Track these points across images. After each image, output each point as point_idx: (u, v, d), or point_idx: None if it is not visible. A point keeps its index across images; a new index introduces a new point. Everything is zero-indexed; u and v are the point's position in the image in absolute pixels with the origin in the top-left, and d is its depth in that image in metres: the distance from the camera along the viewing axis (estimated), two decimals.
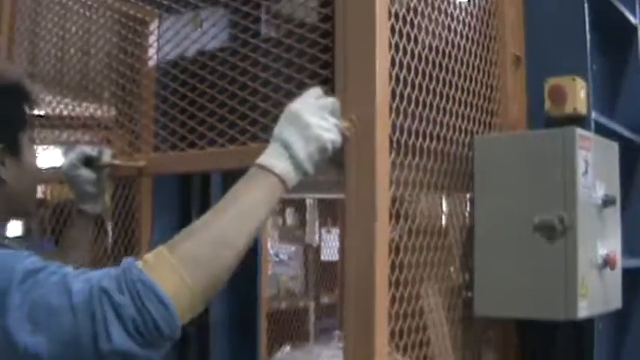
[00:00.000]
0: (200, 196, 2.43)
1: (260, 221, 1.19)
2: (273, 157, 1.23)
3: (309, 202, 3.41)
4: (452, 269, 1.80)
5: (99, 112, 2.17)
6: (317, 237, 3.42)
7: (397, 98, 1.45)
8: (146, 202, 2.24)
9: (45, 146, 2.26)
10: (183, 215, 2.39)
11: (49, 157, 2.25)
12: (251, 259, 2.46)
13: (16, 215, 1.50)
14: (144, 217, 2.23)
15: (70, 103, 2.20)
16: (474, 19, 1.84)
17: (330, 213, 3.67)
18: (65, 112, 2.18)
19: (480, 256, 1.73)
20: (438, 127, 1.63)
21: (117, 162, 1.74)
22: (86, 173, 1.71)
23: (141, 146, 1.87)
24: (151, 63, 1.97)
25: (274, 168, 1.21)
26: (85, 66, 2.16)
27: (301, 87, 1.46)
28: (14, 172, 1.36)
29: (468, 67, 1.78)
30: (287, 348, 1.99)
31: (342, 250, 3.36)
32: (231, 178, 2.12)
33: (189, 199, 2.43)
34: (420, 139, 1.55)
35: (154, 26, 2.01)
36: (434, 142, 1.61)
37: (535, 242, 1.64)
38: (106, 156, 1.74)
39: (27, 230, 2.45)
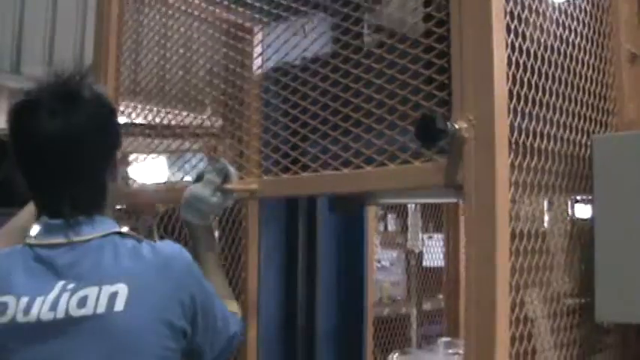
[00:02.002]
0: (306, 216, 2.43)
1: None
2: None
3: (410, 207, 3.38)
4: (555, 275, 1.75)
5: (207, 122, 2.21)
6: (419, 243, 3.39)
7: (514, 98, 1.42)
8: (253, 225, 2.25)
9: (154, 155, 2.31)
10: (289, 235, 2.41)
11: (155, 165, 2.30)
12: (358, 267, 2.46)
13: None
14: (250, 240, 2.23)
15: (177, 113, 2.25)
16: (588, 16, 1.78)
17: (433, 218, 3.63)
18: (173, 122, 2.23)
19: (601, 259, 1.67)
20: (554, 127, 1.59)
21: (235, 187, 1.75)
22: (212, 197, 1.74)
23: (250, 168, 1.90)
24: (258, 70, 2.00)
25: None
26: (191, 76, 2.20)
27: (416, 93, 1.46)
28: (112, 189, 1.56)
29: (582, 65, 1.73)
30: (395, 355, 1.97)
31: (447, 255, 3.32)
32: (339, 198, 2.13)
33: (295, 218, 2.44)
34: (538, 139, 1.51)
35: (260, 34, 2.04)
36: (551, 143, 1.57)
37: None
38: (233, 179, 1.76)
39: None
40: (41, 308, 1.37)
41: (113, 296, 1.37)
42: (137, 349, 1.38)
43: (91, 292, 1.38)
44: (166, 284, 1.43)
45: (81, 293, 1.38)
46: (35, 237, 1.47)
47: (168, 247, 1.51)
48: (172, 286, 1.44)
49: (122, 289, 1.38)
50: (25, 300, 1.38)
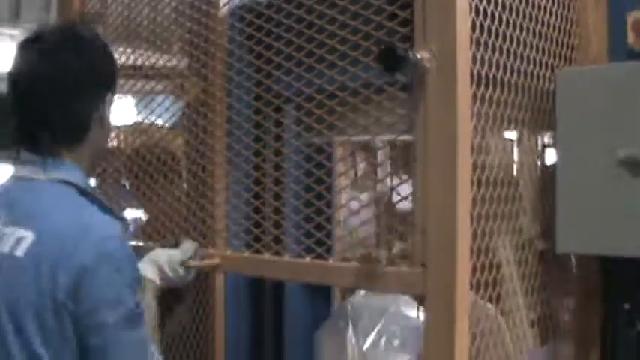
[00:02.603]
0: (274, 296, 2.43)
1: None
2: None
3: (379, 149, 3.38)
4: (524, 221, 1.78)
5: (173, 61, 2.19)
6: (389, 185, 3.40)
7: (477, 30, 1.42)
8: (219, 299, 2.21)
9: (120, 96, 2.29)
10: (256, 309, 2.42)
11: (122, 106, 2.28)
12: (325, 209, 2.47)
13: (93, 172, 1.57)
14: (217, 313, 2.20)
15: (143, 53, 2.23)
16: None
17: (402, 161, 3.64)
18: (139, 62, 2.21)
19: (562, 192, 1.70)
20: (518, 60, 1.60)
21: (197, 263, 1.78)
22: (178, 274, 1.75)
23: (216, 240, 1.91)
24: (224, 8, 1.98)
25: None
26: (157, 14, 2.17)
27: (380, 29, 1.46)
28: (98, 132, 1.50)
29: (547, 0, 1.74)
30: (362, 292, 1.99)
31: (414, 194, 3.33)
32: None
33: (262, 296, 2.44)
34: (501, 71, 1.52)
35: None
36: (514, 75, 1.58)
37: (620, 177, 1.60)
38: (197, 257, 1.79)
39: (101, 181, 2.48)
40: None
41: (19, 240, 1.33)
42: (20, 303, 1.30)
43: (10, 231, 1.35)
44: (74, 258, 1.29)
45: (5, 231, 1.36)
46: (15, 170, 1.47)
47: (113, 229, 1.37)
48: (80, 263, 1.29)
49: (30, 236, 1.33)
50: None
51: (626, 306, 1.83)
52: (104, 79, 1.52)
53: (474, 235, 1.44)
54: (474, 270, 1.45)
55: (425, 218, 1.39)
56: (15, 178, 1.46)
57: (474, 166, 1.43)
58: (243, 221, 1.87)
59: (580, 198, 1.67)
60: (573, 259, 1.91)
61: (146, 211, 2.41)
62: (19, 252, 1.31)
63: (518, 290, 1.77)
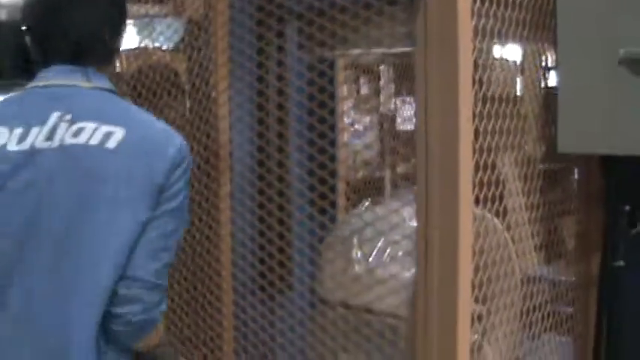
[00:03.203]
0: None
1: None
2: None
3: (383, 70, 3.38)
4: (528, 139, 1.79)
5: None
6: (392, 106, 3.40)
7: None
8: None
9: None
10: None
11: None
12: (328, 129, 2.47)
13: None
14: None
15: None
16: None
17: (405, 81, 3.63)
18: None
19: (563, 92, 1.69)
20: None
21: None
22: None
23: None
24: None
25: None
26: None
27: None
28: (117, 56, 1.74)
29: None
30: (366, 203, 2.01)
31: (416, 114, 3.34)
32: None
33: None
34: None
35: None
36: None
37: (620, 76, 1.60)
38: None
39: None
40: (37, 138, 1.46)
41: (108, 135, 1.46)
42: (114, 193, 1.45)
43: (88, 126, 1.47)
44: (166, 153, 1.51)
45: (78, 125, 1.47)
46: (42, 80, 1.55)
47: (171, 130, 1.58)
48: (171, 157, 1.51)
49: (119, 131, 1.47)
50: (19, 131, 1.47)
51: (627, 207, 1.85)
52: (124, 14, 1.66)
53: (480, 151, 1.46)
54: (480, 185, 1.47)
55: (427, 138, 1.40)
56: (47, 86, 1.54)
57: (479, 82, 1.43)
58: (247, 132, 1.88)
59: (581, 97, 1.67)
60: (576, 171, 1.92)
61: None
62: (111, 144, 1.46)
63: (522, 205, 1.80)
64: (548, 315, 1.90)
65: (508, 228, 1.76)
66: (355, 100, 3.67)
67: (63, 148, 1.46)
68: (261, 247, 1.93)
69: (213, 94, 1.94)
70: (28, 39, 1.58)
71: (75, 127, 1.47)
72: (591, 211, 1.94)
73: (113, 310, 1.44)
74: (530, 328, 1.87)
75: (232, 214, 2.21)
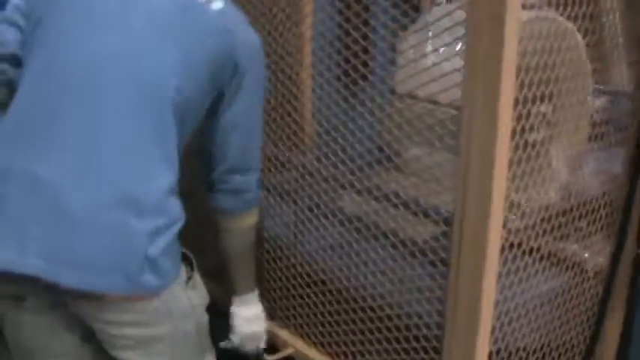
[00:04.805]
0: None
1: None
2: None
3: None
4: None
5: None
6: None
7: None
8: None
9: None
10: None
11: None
12: None
13: None
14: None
15: None
16: None
17: None
18: None
19: None
20: None
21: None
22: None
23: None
24: None
25: None
26: None
27: None
28: None
29: None
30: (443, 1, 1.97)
31: None
32: None
33: None
34: None
35: None
36: None
37: None
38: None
39: None
40: None
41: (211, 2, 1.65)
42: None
43: None
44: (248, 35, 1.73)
45: None
46: None
47: None
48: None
49: (220, 4, 1.66)
50: None
51: None
52: None
53: None
54: None
55: None
56: None
57: None
58: None
59: None
60: None
61: None
62: (215, 7, 1.63)
63: None
64: (615, 130, 1.89)
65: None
66: None
67: None
68: (339, 39, 1.94)
69: None
70: None
71: None
72: None
73: None
74: (595, 140, 1.87)
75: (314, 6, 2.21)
